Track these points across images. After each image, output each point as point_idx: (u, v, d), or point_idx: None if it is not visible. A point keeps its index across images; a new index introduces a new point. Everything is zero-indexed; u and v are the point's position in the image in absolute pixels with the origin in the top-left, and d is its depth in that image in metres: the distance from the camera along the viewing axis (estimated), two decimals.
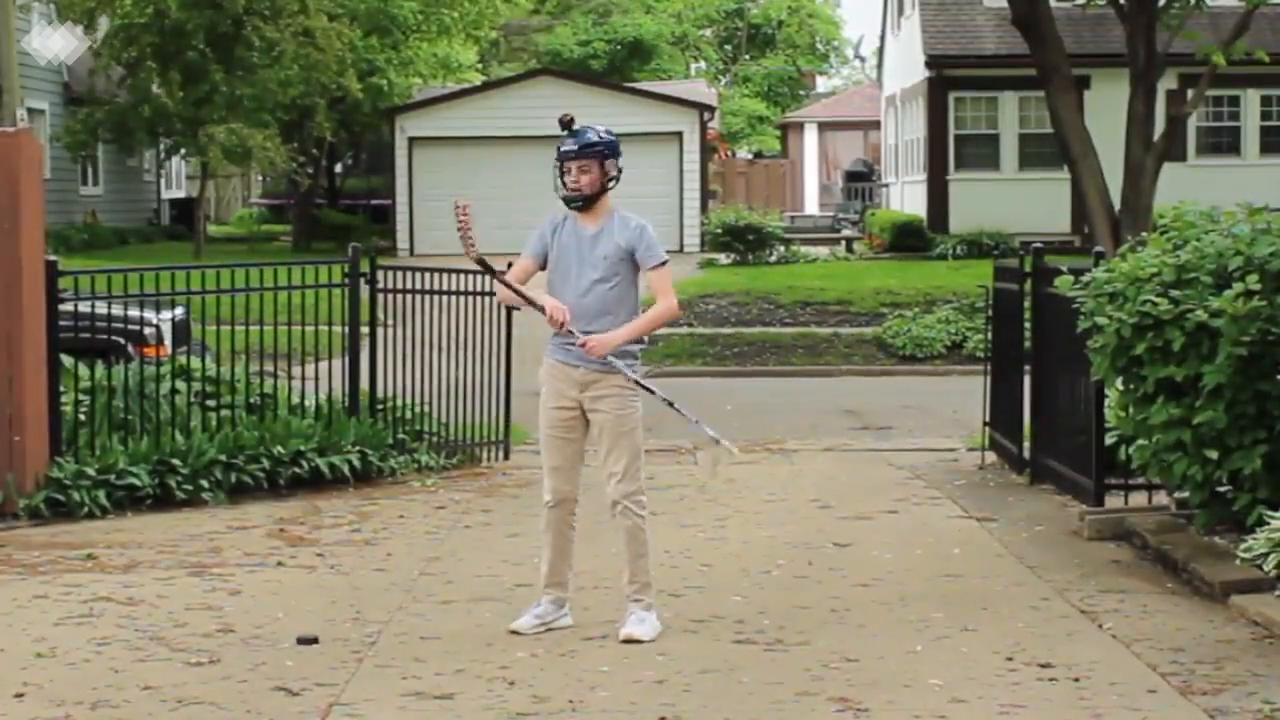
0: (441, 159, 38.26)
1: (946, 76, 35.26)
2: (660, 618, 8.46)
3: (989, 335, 14.91)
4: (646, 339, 8.65)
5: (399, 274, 14.20)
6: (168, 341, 14.40)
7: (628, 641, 8.14)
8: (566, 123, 8.33)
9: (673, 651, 7.99)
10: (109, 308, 12.96)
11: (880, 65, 45.01)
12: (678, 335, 26.10)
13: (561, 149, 8.37)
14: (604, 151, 8.31)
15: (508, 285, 8.52)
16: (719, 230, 34.03)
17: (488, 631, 8.39)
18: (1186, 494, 10.12)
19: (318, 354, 13.88)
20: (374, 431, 13.27)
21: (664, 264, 8.43)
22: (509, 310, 14.76)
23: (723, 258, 33.81)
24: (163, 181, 46.93)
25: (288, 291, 13.53)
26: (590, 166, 8.28)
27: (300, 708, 7.11)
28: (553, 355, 8.46)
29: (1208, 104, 33.32)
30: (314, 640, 8.15)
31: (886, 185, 43.89)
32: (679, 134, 38.60)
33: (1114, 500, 11.30)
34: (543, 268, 8.56)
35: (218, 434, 12.42)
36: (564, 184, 8.39)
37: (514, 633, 8.31)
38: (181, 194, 48.70)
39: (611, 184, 8.36)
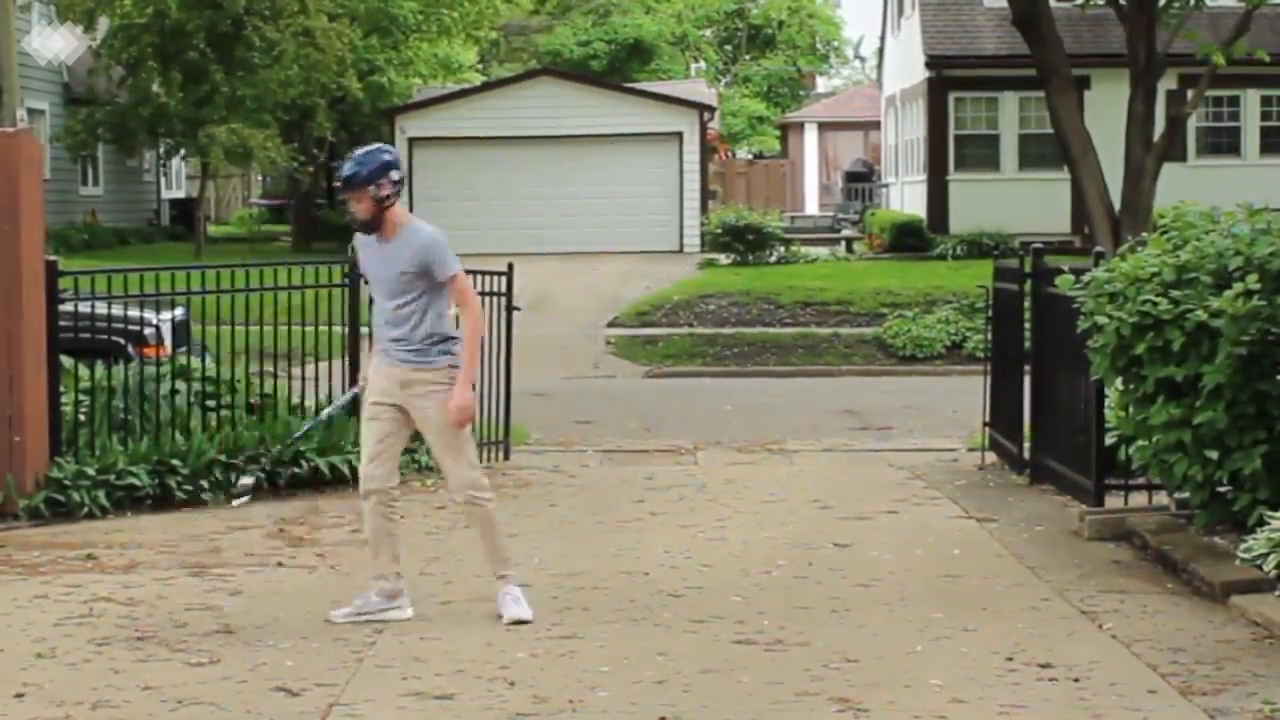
0: (441, 159, 38.28)
1: (946, 77, 35.27)
2: (660, 618, 8.45)
3: (989, 335, 14.91)
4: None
5: None
6: (168, 342, 14.39)
7: (515, 623, 8.44)
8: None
9: (673, 651, 7.99)
10: (109, 308, 12.96)
11: (880, 65, 45.02)
12: (678, 335, 26.12)
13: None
14: (365, 178, 8.53)
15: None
16: (719, 230, 34.06)
17: (488, 632, 8.39)
18: (1187, 494, 10.12)
19: (318, 354, 13.88)
20: None
21: (455, 275, 8.58)
22: (509, 311, 14.79)
23: (723, 258, 33.83)
24: (163, 182, 46.94)
25: (288, 291, 13.54)
26: (360, 196, 8.55)
27: (300, 708, 7.11)
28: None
29: (1208, 104, 33.33)
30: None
31: (886, 185, 43.90)
32: (679, 134, 38.60)
33: (1114, 500, 11.30)
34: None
35: (218, 434, 12.42)
36: (348, 214, 8.80)
37: (328, 621, 8.53)
38: (181, 194, 48.71)
39: (388, 202, 8.59)
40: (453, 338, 8.65)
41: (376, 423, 8.67)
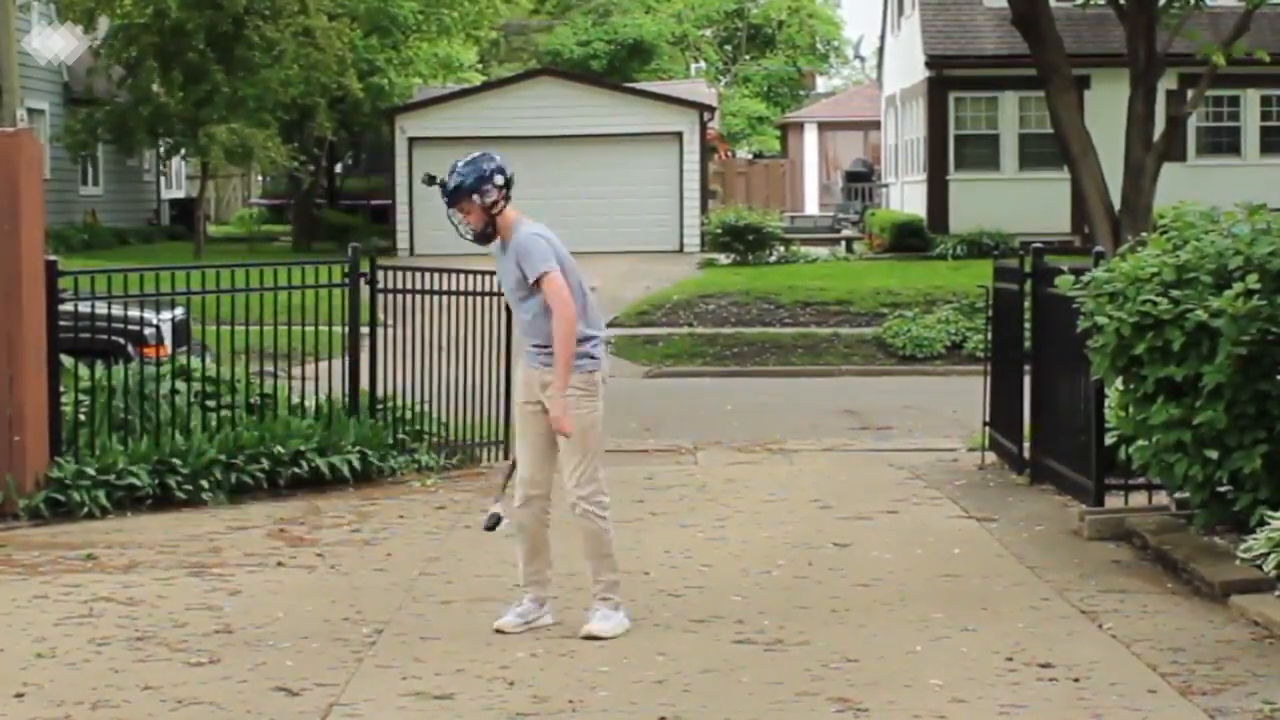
0: (441, 159, 37.78)
1: (946, 76, 35.26)
2: (660, 618, 8.45)
3: (989, 335, 14.91)
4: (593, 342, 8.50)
5: (399, 274, 14.20)
6: (168, 342, 14.39)
7: (588, 638, 8.18)
8: (428, 180, 8.59)
9: (673, 651, 7.99)
10: (109, 308, 12.96)
11: (880, 65, 45.02)
12: (678, 335, 26.12)
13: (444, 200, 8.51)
14: (470, 188, 8.39)
15: None
16: (719, 230, 34.05)
17: (488, 631, 8.39)
18: (1187, 494, 10.12)
19: (318, 354, 13.88)
20: (374, 431, 13.27)
21: (545, 274, 8.32)
22: (509, 310, 14.78)
23: (723, 258, 33.83)
24: (163, 181, 46.93)
25: (288, 291, 13.54)
26: (469, 207, 8.41)
27: (300, 708, 7.12)
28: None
29: (1208, 104, 33.32)
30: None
31: (886, 185, 43.89)
32: (679, 134, 38.59)
33: (1114, 500, 11.29)
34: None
35: (218, 434, 12.42)
36: (460, 229, 8.55)
37: (499, 631, 8.35)
38: (181, 194, 48.70)
39: (498, 208, 8.42)
40: (590, 337, 8.43)
41: (528, 428, 8.53)
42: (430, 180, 8.56)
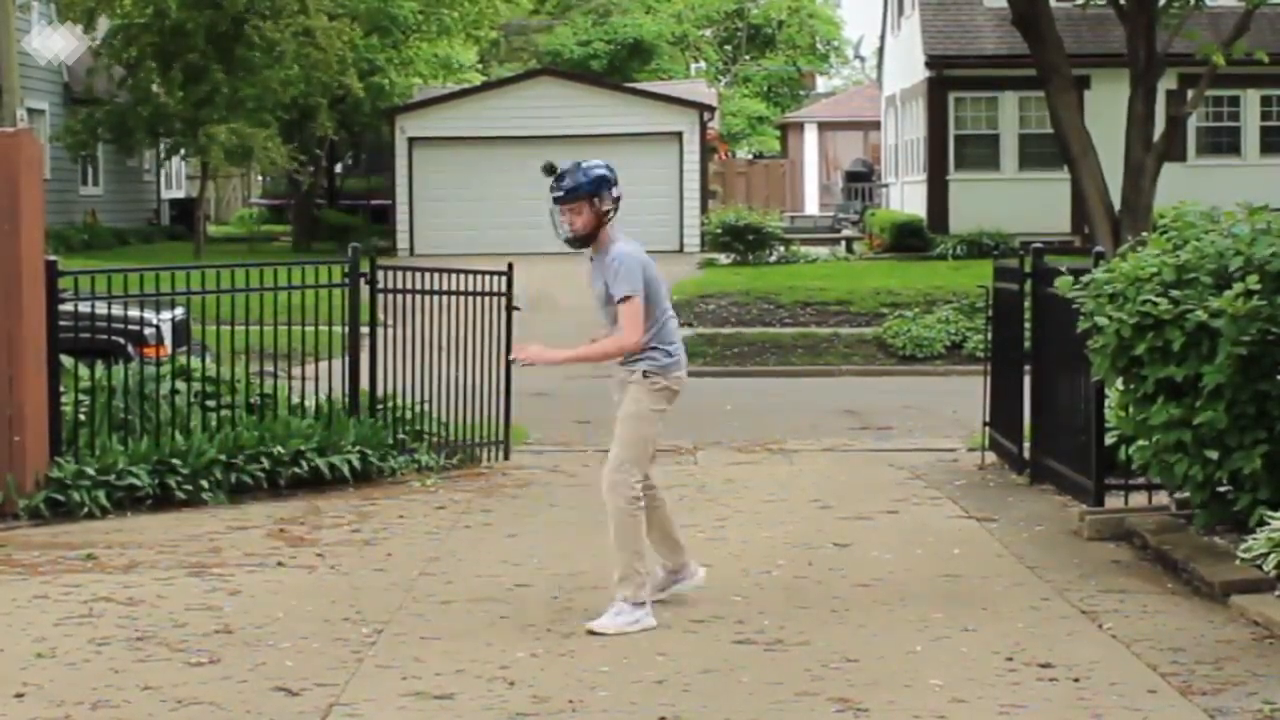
0: (441, 159, 38.26)
1: (946, 76, 35.27)
2: (659, 618, 8.45)
3: (989, 335, 14.91)
4: (667, 352, 8.66)
5: (399, 274, 14.20)
6: (168, 342, 14.39)
7: (589, 633, 8.27)
8: (549, 169, 8.55)
9: (673, 651, 7.99)
10: (109, 308, 12.96)
11: (880, 65, 45.02)
12: None
13: (552, 195, 8.53)
14: (589, 190, 8.45)
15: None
16: (719, 230, 34.05)
17: (488, 631, 8.39)
18: (1187, 494, 10.12)
19: (318, 354, 13.87)
20: (374, 431, 13.27)
21: (626, 298, 8.44)
22: (509, 310, 14.79)
23: (723, 258, 33.83)
24: (163, 181, 46.95)
25: (288, 291, 13.53)
26: (581, 208, 8.46)
27: (300, 708, 7.12)
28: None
29: (1208, 104, 33.33)
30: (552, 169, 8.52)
31: (886, 185, 43.90)
32: (679, 134, 38.60)
33: (1114, 500, 11.29)
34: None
35: (218, 434, 12.42)
36: (559, 227, 8.60)
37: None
38: (181, 194, 48.72)
39: (608, 217, 8.51)
40: (665, 350, 8.61)
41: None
42: (550, 170, 8.55)
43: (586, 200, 8.44)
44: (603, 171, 8.52)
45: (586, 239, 8.52)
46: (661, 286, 8.65)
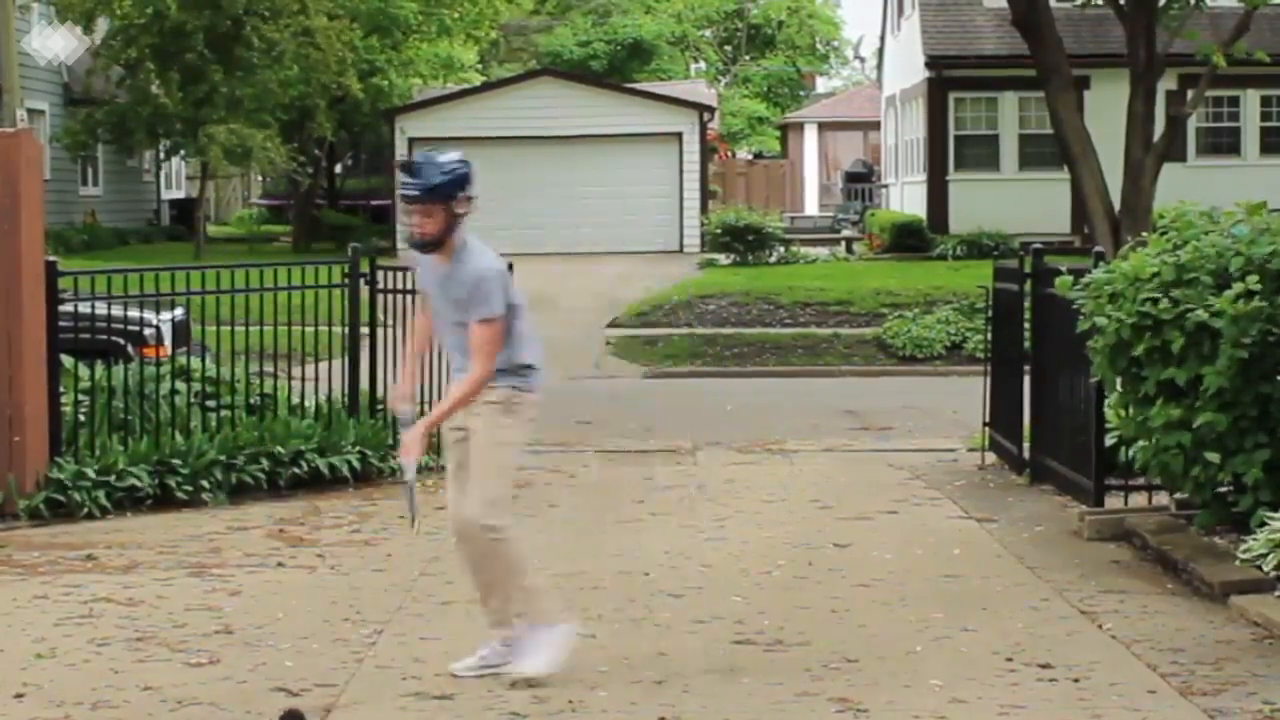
0: None
1: (946, 77, 35.26)
2: (660, 618, 8.45)
3: (989, 336, 14.90)
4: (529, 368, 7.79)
5: (399, 274, 14.18)
6: (167, 342, 14.39)
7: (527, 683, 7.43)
8: (403, 167, 7.64)
9: (673, 651, 7.99)
10: (109, 308, 12.96)
11: (880, 66, 45.01)
12: (678, 335, 26.11)
13: (402, 194, 7.59)
14: (447, 191, 7.55)
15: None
16: (719, 230, 34.05)
17: (488, 632, 8.38)
18: (1187, 494, 10.12)
19: (318, 354, 13.88)
20: (374, 431, 13.27)
21: (487, 321, 7.55)
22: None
23: (722, 258, 33.82)
24: (163, 182, 46.93)
25: (287, 292, 13.53)
26: (434, 210, 7.53)
27: (300, 708, 7.10)
28: None
29: (1208, 104, 33.30)
30: None
31: (886, 186, 43.89)
32: (679, 134, 38.58)
33: (1114, 501, 11.29)
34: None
35: (218, 434, 12.42)
36: (407, 229, 7.72)
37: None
38: (181, 194, 48.69)
39: (460, 220, 7.65)
40: (526, 365, 7.69)
41: (452, 454, 7.78)
42: (405, 167, 7.59)
43: (442, 202, 7.51)
44: (463, 169, 7.62)
45: (435, 242, 7.58)
46: (517, 295, 7.78)
